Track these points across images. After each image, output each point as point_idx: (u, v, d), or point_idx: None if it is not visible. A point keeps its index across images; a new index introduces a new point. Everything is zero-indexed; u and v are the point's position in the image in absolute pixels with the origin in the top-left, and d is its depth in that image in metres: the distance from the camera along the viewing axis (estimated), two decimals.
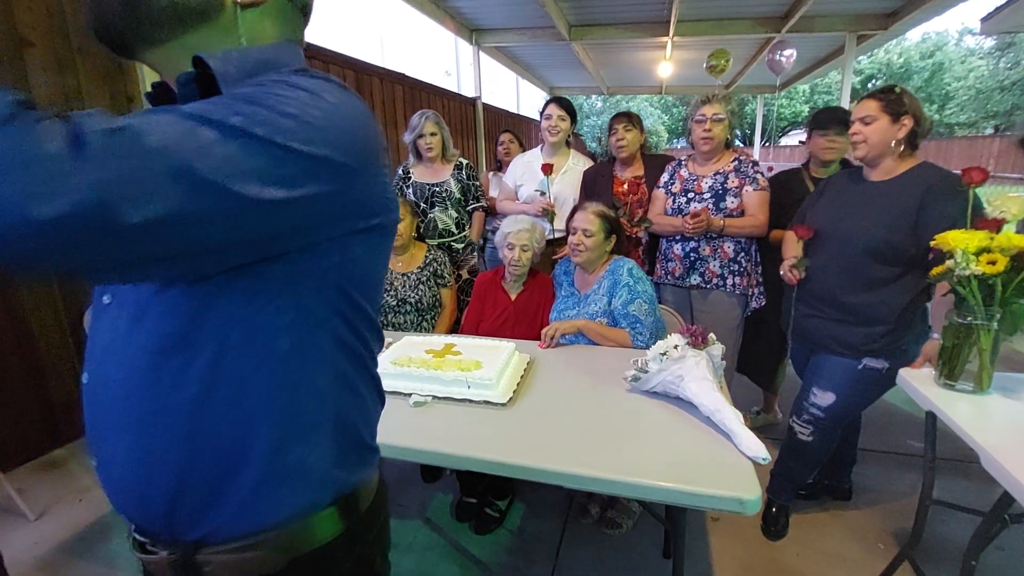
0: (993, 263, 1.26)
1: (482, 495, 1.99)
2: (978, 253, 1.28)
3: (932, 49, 21.25)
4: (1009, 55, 18.89)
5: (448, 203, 2.59)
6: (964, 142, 17.29)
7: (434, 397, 1.41)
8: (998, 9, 4.23)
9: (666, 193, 2.24)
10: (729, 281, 2.14)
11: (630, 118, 2.43)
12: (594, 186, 2.48)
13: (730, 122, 2.10)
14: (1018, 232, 1.56)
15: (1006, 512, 1.23)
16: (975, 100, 19.84)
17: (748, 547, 1.84)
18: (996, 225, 1.33)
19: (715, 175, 2.13)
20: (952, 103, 20.37)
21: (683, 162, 2.26)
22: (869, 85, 19.90)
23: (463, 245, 2.66)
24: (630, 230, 2.37)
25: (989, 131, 19.71)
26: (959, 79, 20.31)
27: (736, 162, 2.13)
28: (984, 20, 4.50)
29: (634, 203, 2.40)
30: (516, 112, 10.87)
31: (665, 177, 2.27)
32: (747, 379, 2.60)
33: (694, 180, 2.17)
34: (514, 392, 1.42)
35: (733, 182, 2.09)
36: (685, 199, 2.16)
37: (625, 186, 2.43)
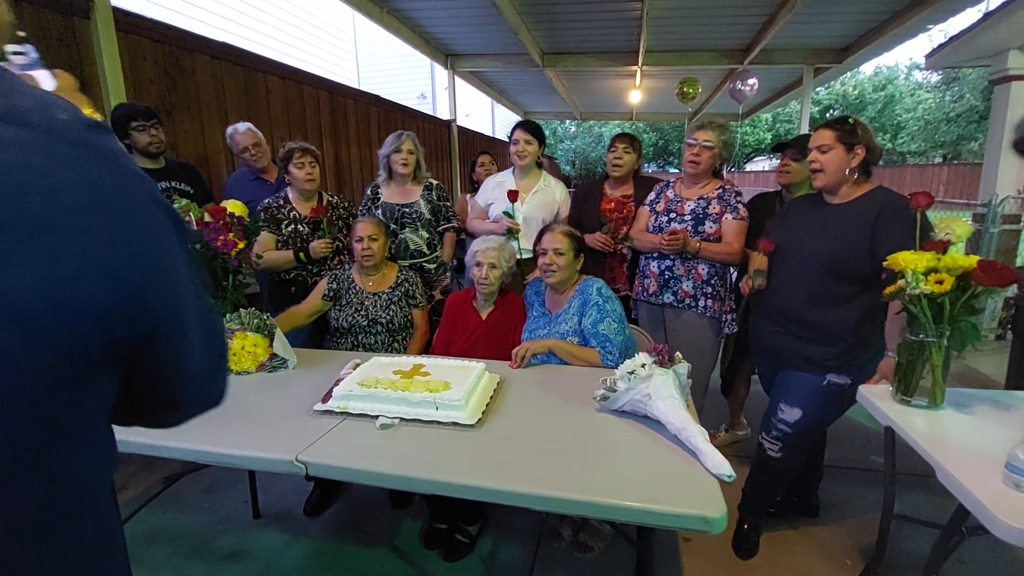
0: (941, 282, 1.32)
1: (452, 520, 1.94)
2: (927, 273, 1.34)
3: (884, 82, 22.50)
4: (954, 89, 20.13)
5: (418, 224, 2.57)
6: (916, 169, 18.24)
7: (401, 419, 1.38)
8: (940, 46, 4.53)
9: (650, 211, 2.29)
10: (701, 303, 2.18)
11: (631, 140, 2.50)
12: (584, 202, 2.55)
13: (720, 152, 2.17)
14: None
15: (963, 525, 1.27)
16: (924, 130, 21.01)
17: (720, 566, 1.83)
18: (943, 246, 1.39)
19: (698, 199, 2.19)
20: (903, 133, 21.52)
21: (671, 183, 2.33)
22: (827, 115, 20.88)
23: (435, 266, 2.64)
24: (614, 247, 2.41)
25: (938, 159, 20.86)
26: (909, 110, 21.50)
27: (720, 190, 2.19)
28: (928, 56, 4.80)
29: (619, 221, 2.45)
30: (491, 135, 11.03)
31: (652, 196, 2.33)
32: (716, 397, 2.63)
33: (678, 201, 2.22)
34: (483, 413, 1.40)
35: (715, 208, 2.15)
36: (667, 218, 2.21)
37: (613, 204, 2.48)
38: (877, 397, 1.49)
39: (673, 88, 7.81)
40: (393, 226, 2.56)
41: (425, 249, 2.60)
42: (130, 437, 1.34)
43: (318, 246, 2.33)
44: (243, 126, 2.91)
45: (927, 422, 1.36)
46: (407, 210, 2.56)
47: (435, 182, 2.67)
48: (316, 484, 2.20)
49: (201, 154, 3.29)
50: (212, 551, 1.92)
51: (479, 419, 1.37)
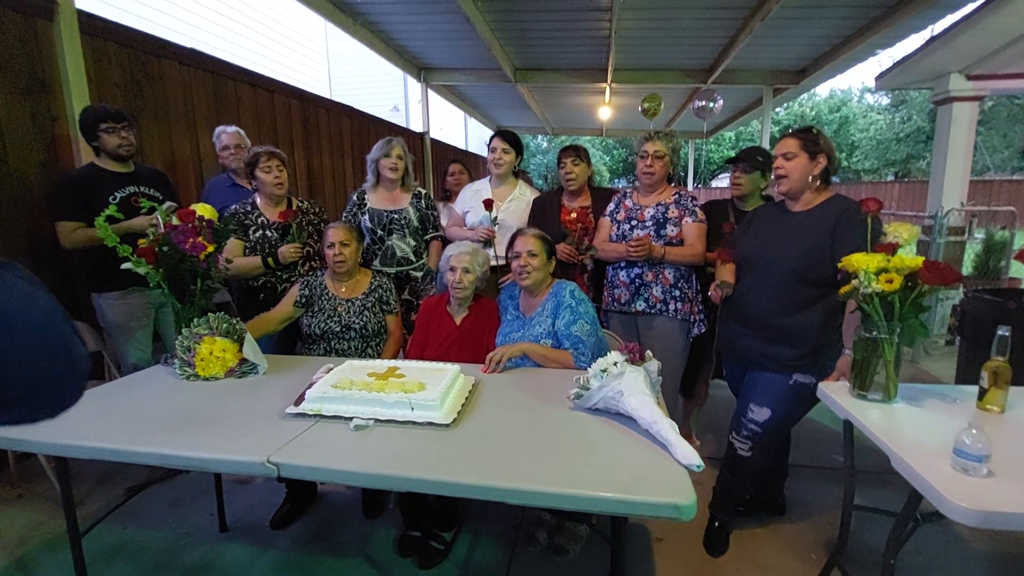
0: (891, 282, 1.41)
1: (426, 528, 1.92)
2: (878, 273, 1.43)
3: (838, 104, 23.72)
4: (902, 111, 21.37)
5: (406, 231, 2.56)
6: (870, 186, 19.20)
7: (376, 420, 1.37)
8: (889, 69, 4.83)
9: (611, 221, 2.34)
10: (671, 307, 2.24)
11: (577, 152, 2.53)
12: (543, 214, 2.55)
13: (671, 158, 2.25)
14: None
15: (916, 511, 1.33)
16: (876, 149, 22.18)
17: (691, 565, 1.87)
18: (892, 248, 1.48)
19: (657, 206, 2.26)
20: (857, 152, 22.67)
21: (628, 193, 2.39)
22: None
23: (422, 274, 2.63)
24: (577, 258, 2.44)
25: (890, 177, 22.01)
26: (862, 131, 22.70)
27: (677, 195, 2.27)
28: (878, 78, 5.10)
29: (581, 232, 2.49)
30: (464, 148, 11.10)
31: (611, 206, 2.39)
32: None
33: (638, 209, 2.29)
34: (458, 413, 1.41)
35: (673, 213, 2.23)
36: (629, 226, 2.27)
37: (573, 215, 2.52)
38: (835, 393, 1.56)
39: (640, 105, 8.04)
40: (380, 232, 2.54)
41: (412, 256, 2.59)
42: (90, 443, 1.29)
43: (287, 251, 2.30)
44: (232, 128, 2.98)
45: (882, 415, 1.43)
46: (395, 216, 2.54)
47: (423, 191, 2.67)
48: (286, 497, 2.15)
49: (168, 161, 3.22)
50: (176, 566, 1.85)
51: (454, 419, 1.37)
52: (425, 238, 2.65)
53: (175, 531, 2.04)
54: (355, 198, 2.61)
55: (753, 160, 2.31)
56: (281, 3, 8.29)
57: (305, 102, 4.77)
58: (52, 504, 2.16)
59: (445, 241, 2.76)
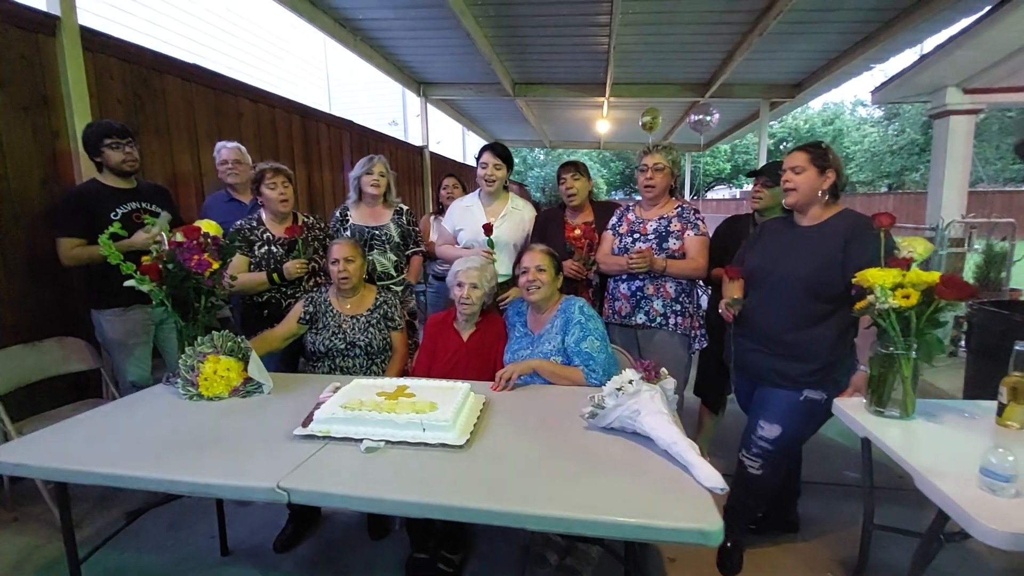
0: (907, 297, 1.39)
1: (434, 550, 1.87)
2: (894, 288, 1.41)
3: (832, 117, 24.02)
4: (895, 124, 21.65)
5: (387, 247, 2.56)
6: (864, 198, 19.36)
7: (387, 442, 1.34)
8: (885, 82, 4.88)
9: (614, 234, 2.33)
10: (672, 320, 2.21)
11: (577, 167, 2.51)
12: (546, 232, 2.52)
13: (671, 171, 2.24)
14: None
15: (941, 531, 1.30)
16: (871, 162, 22.42)
17: None
18: (906, 263, 1.47)
19: (659, 219, 2.25)
20: (852, 164, 22.89)
21: (631, 207, 2.38)
22: (782, 147, 21.99)
23: (401, 288, 2.62)
24: (585, 273, 2.41)
25: (884, 189, 22.22)
26: (856, 143, 22.96)
27: (679, 209, 2.26)
28: (874, 92, 5.15)
29: (587, 248, 2.47)
30: (462, 161, 11.14)
31: (613, 220, 2.38)
32: (692, 416, 2.65)
33: (640, 223, 2.28)
34: (471, 433, 1.38)
35: (676, 226, 2.22)
36: (631, 239, 2.26)
37: (578, 231, 2.49)
38: (852, 409, 1.54)
39: (638, 119, 8.11)
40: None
41: (392, 271, 2.58)
42: (90, 467, 1.26)
43: (293, 266, 2.28)
44: (232, 144, 2.97)
45: (901, 432, 1.41)
46: (376, 232, 2.55)
47: (405, 207, 2.67)
48: (289, 519, 2.10)
49: (169, 176, 3.21)
50: None
51: (467, 439, 1.34)
52: (407, 253, 2.65)
53: (175, 555, 1.98)
54: (338, 214, 2.62)
55: (774, 175, 2.28)
56: (282, 19, 8.35)
57: (306, 117, 4.78)
58: (48, 527, 2.11)
59: (427, 256, 2.75)
